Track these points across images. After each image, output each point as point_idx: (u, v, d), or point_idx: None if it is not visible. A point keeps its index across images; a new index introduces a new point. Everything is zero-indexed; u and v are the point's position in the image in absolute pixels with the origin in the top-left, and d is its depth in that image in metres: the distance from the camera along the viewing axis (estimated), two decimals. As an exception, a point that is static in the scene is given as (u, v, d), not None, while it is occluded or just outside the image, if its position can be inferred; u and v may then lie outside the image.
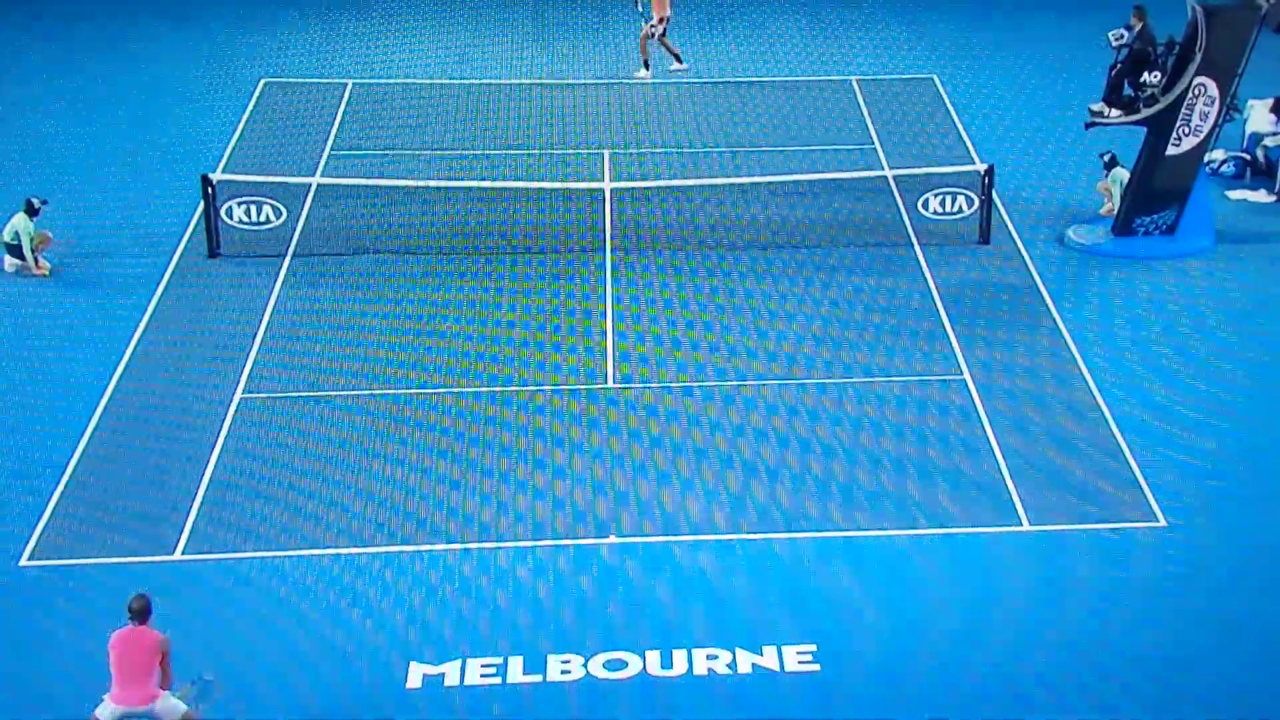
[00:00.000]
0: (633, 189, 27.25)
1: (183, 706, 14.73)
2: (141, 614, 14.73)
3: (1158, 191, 25.36)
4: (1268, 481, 19.54)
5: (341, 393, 21.57)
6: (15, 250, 24.67)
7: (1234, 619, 17.05)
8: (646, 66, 33.34)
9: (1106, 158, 26.46)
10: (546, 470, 19.73)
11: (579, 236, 26.01)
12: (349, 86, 32.70)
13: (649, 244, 25.76)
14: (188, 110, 31.62)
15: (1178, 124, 24.72)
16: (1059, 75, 33.32)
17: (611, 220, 26.39)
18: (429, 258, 25.37)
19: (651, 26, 33.16)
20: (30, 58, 34.92)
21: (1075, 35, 35.36)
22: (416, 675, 16.23)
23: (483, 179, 27.97)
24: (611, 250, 25.44)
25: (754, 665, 16.33)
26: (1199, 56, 24.30)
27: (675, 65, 33.48)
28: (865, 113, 31.30)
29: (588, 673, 16.23)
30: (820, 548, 18.19)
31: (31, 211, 24.65)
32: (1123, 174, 26.04)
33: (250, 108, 31.56)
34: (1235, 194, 27.69)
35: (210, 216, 25.24)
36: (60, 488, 19.33)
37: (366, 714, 15.74)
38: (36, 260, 24.73)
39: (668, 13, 33.12)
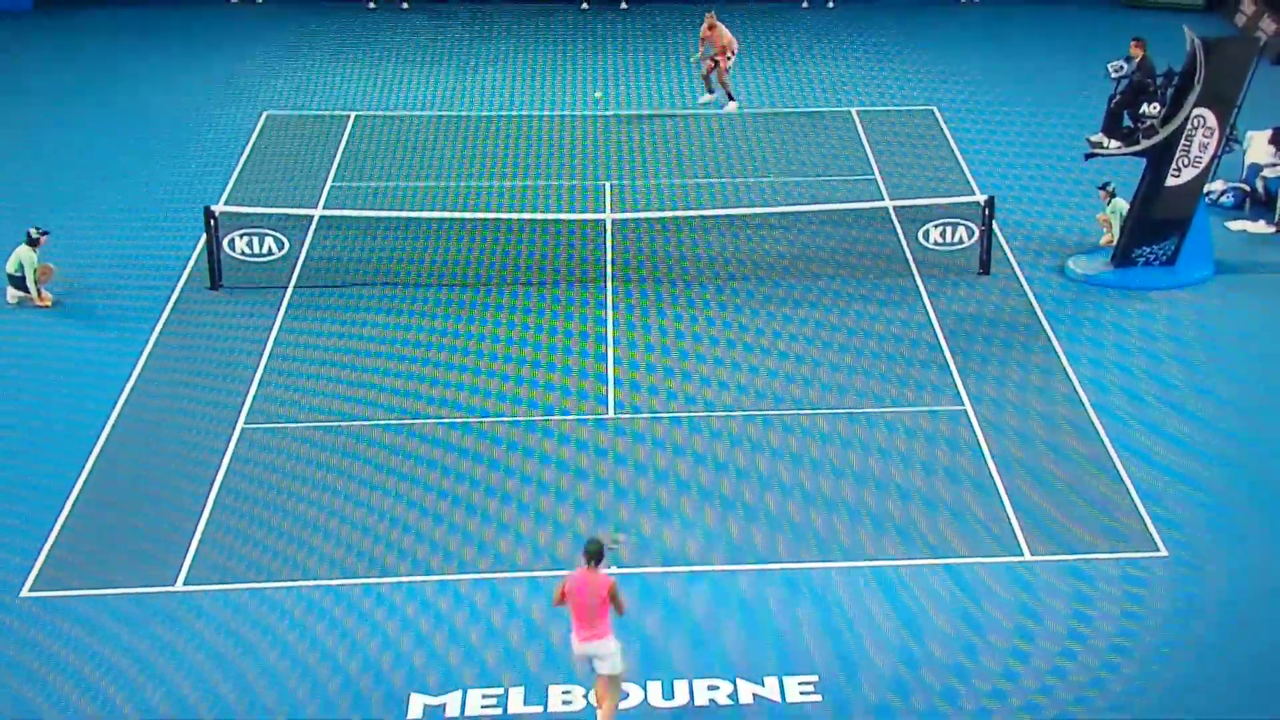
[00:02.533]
0: (634, 220, 27.29)
1: (619, 658, 15.46)
2: (596, 556, 15.29)
3: (1157, 222, 25.41)
4: (1270, 511, 19.55)
5: (343, 424, 21.59)
6: (18, 282, 24.73)
7: (1237, 649, 17.06)
8: (731, 98, 33.33)
9: (1110, 188, 26.50)
10: (548, 501, 19.75)
11: (580, 268, 26.04)
12: (351, 118, 32.77)
13: (650, 275, 25.79)
14: (190, 142, 31.67)
15: (1177, 155, 24.78)
16: (1058, 106, 33.38)
17: (612, 251, 26.43)
18: (431, 289, 25.41)
19: (725, 60, 32.98)
20: (32, 91, 34.98)
21: (1074, 66, 35.45)
22: (417, 706, 16.24)
23: (485, 211, 28.02)
24: (612, 281, 25.48)
25: (755, 696, 16.33)
26: (1198, 88, 24.38)
27: (705, 97, 33.45)
28: (866, 143, 31.36)
29: (589, 703, 16.21)
30: (822, 578, 18.20)
31: (32, 243, 24.71)
32: (1123, 205, 26.10)
33: (252, 140, 31.62)
34: (1235, 225, 27.73)
35: (212, 248, 25.30)
36: (62, 519, 19.35)
37: (368, 745, 15.77)
38: (39, 292, 24.78)
39: (732, 47, 32.94)
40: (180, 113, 33.45)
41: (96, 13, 40.53)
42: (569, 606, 15.48)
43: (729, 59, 32.91)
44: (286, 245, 26.07)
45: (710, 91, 33.35)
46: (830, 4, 41.05)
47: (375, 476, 20.33)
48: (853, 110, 33.27)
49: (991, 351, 23.40)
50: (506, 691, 16.38)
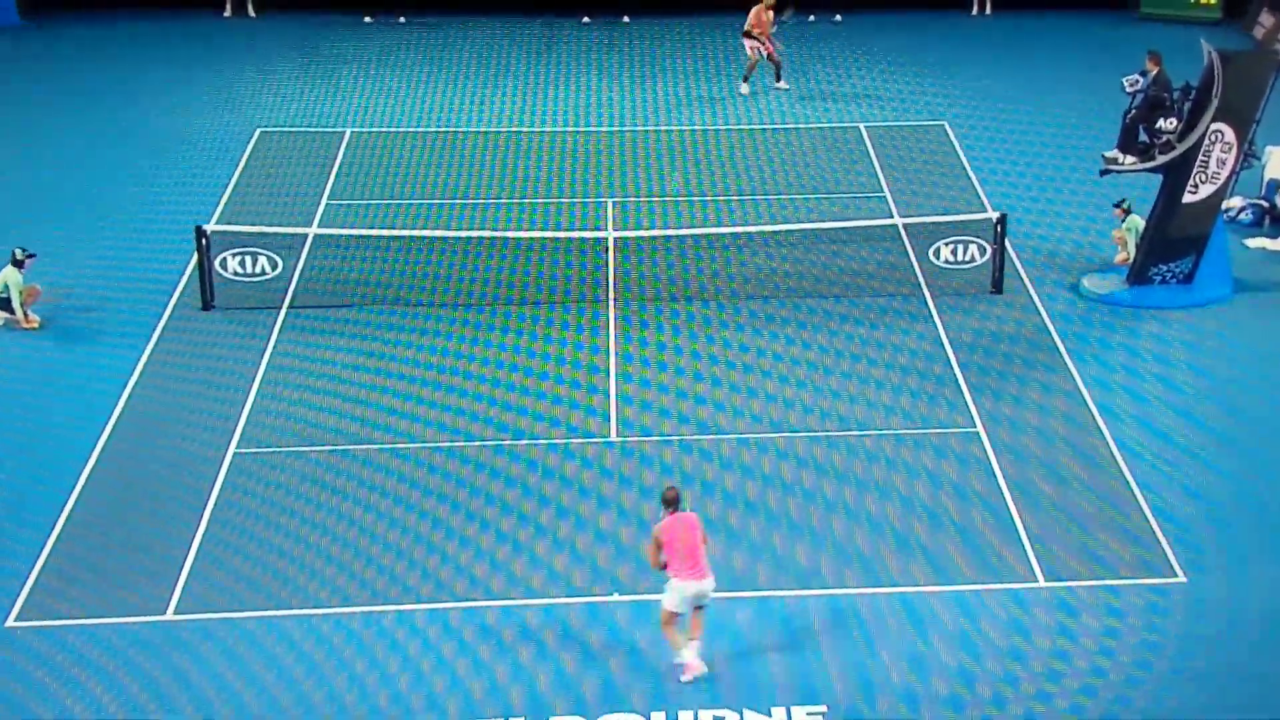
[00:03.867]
0: (637, 238, 27.32)
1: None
2: (676, 501, 16.74)
3: (1174, 240, 25.43)
4: (1290, 536, 19.56)
5: (339, 448, 21.60)
6: (3, 304, 24.76)
7: (1259, 677, 17.04)
8: (779, 78, 35.11)
9: (1125, 205, 26.52)
10: (548, 527, 19.75)
11: (581, 287, 26.06)
12: (347, 135, 32.85)
13: (654, 295, 25.81)
14: (181, 160, 31.74)
15: (1194, 171, 24.81)
16: (1072, 121, 33.46)
17: (615, 270, 26.45)
18: (428, 310, 25.44)
19: (764, 46, 34.76)
20: (17, 105, 35.08)
21: (1089, 81, 35.52)
22: (415, 738, 16.23)
23: (483, 229, 28.06)
24: (615, 301, 25.50)
25: (762, 727, 16.34)
26: (1215, 102, 24.41)
27: (743, 89, 35.22)
28: (875, 160, 31.42)
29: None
30: (830, 605, 18.19)
31: (17, 264, 24.76)
32: (1139, 222, 26.12)
33: (245, 157, 31.69)
34: (1254, 242, 27.76)
35: (204, 268, 25.33)
36: (49, 546, 19.35)
37: (364, 778, 15.75)
38: (25, 314, 24.80)
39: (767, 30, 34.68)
40: (171, 129, 33.53)
41: (84, 26, 40.71)
42: (667, 555, 16.63)
43: (764, 44, 34.71)
44: (280, 265, 26.11)
45: (746, 82, 35.05)
46: (837, 17, 41.15)
47: (372, 502, 20.33)
48: (861, 126, 33.34)
49: (1004, 372, 23.41)
50: (507, 723, 16.41)
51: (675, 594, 16.72)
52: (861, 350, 24.03)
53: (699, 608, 16.85)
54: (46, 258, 25.83)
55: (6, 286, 24.71)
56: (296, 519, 19.98)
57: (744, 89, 35.12)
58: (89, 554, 19.26)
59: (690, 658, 16.87)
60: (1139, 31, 38.85)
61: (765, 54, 35.06)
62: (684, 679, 16.84)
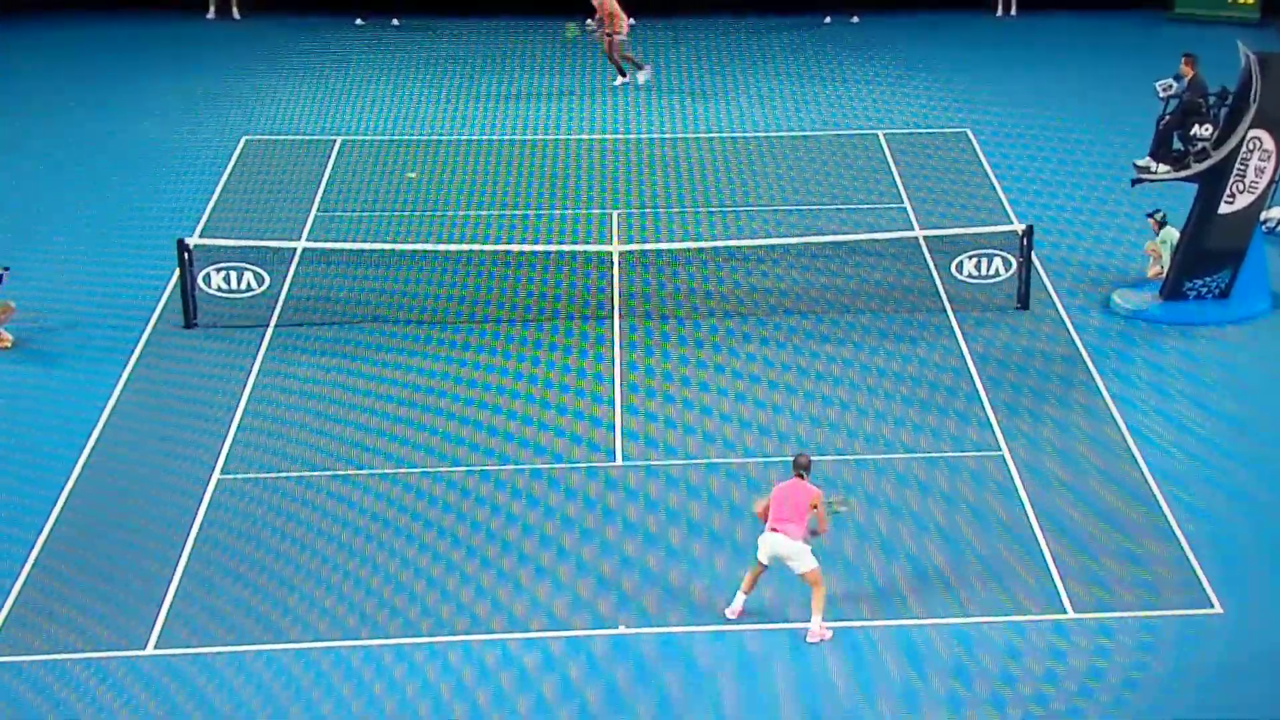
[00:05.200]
0: (642, 252, 27.36)
1: (808, 555, 18.01)
2: (806, 467, 18.28)
3: (1210, 252, 25.44)
4: (1332, 564, 19.56)
5: (328, 473, 21.63)
6: (-24, 321, 24.84)
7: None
8: (622, 73, 35.74)
9: (1159, 216, 26.52)
10: (549, 556, 19.77)
11: (584, 303, 26.10)
12: (337, 143, 32.92)
13: (659, 311, 25.84)
14: (162, 170, 31.84)
15: (1231, 180, 24.83)
16: (1102, 128, 33.50)
17: (620, 286, 26.49)
18: (423, 327, 25.49)
19: (605, 34, 35.38)
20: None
21: (1119, 85, 35.58)
22: (409, 779, 16.25)
23: (481, 243, 28.11)
24: (620, 318, 25.54)
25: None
26: (1254, 108, 24.43)
27: (619, 79, 35.79)
28: (894, 169, 31.47)
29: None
30: (847, 639, 18.18)
31: (-9, 280, 24.88)
32: (1173, 234, 26.12)
33: (230, 166, 31.77)
34: (1294, 254, 27.80)
35: (186, 284, 25.37)
36: (23, 577, 19.37)
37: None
38: (-1, 332, 24.91)
39: (621, 25, 35.29)
40: (152, 137, 33.64)
41: (60, 29, 40.80)
42: (770, 506, 18.16)
43: (618, 33, 35.15)
44: (267, 280, 26.15)
45: (622, 74, 35.33)
46: (854, 18, 41.21)
47: (363, 530, 20.35)
48: (879, 133, 33.40)
49: (1031, 392, 23.43)
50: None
51: (760, 544, 18.21)
52: (879, 369, 24.04)
53: (804, 575, 18.14)
54: (20, 273, 25.88)
55: (-22, 304, 24.81)
56: (285, 548, 20.00)
57: (642, 77, 36.14)
58: (65, 586, 19.27)
59: (736, 604, 18.50)
60: (1173, 32, 38.98)
61: (607, 46, 35.87)
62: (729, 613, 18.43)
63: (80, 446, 22.12)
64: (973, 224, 27.90)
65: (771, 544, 17.99)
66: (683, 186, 30.88)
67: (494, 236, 28.59)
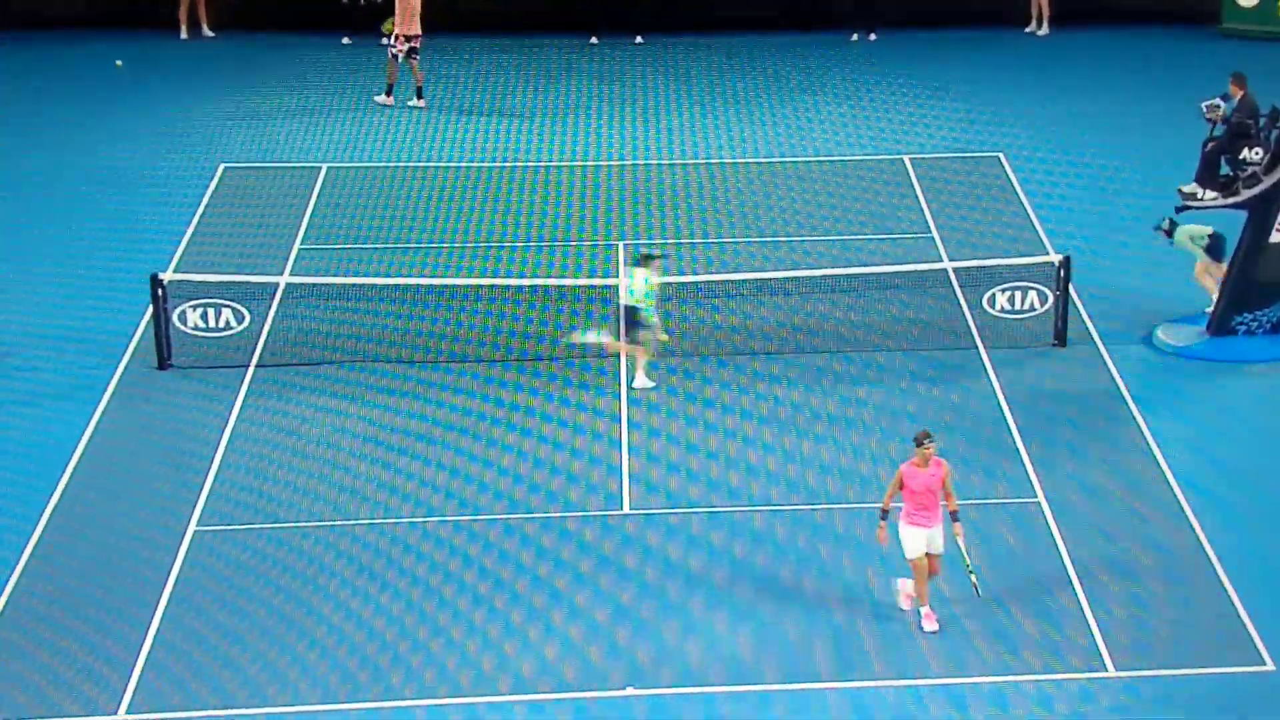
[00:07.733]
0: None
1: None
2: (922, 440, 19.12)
3: (1260, 284, 25.52)
4: (1392, 619, 19.59)
5: (313, 524, 21.70)
6: (-65, 362, 24.97)
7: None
8: (389, 93, 36.65)
9: (1164, 225, 26.50)
10: (553, 613, 19.80)
11: (585, 347, 26.12)
12: (322, 171, 33.05)
13: (671, 348, 25.90)
14: (135, 200, 31.93)
15: (1283, 206, 24.99)
16: (1144, 151, 33.59)
17: (626, 321, 26.56)
18: (415, 368, 25.56)
19: (393, 47, 36.10)
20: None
21: (1163, 106, 35.69)
22: None
23: (478, 276, 28.22)
24: (626, 356, 25.58)
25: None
26: (1307, 129, 24.61)
27: (416, 101, 36.64)
28: (920, 196, 31.56)
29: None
30: (873, 698, 18.23)
31: (-50, 317, 24.99)
32: (1193, 230, 25.98)
33: (208, 196, 31.88)
34: (1351, 287, 27.85)
35: (160, 322, 25.46)
36: (-15, 636, 19.47)
37: None
38: (-40, 373, 25.03)
39: (415, 32, 35.95)
40: (123, 164, 33.73)
41: (24, 48, 40.83)
42: (903, 497, 19.07)
43: (395, 46, 36.20)
44: (247, 318, 26.23)
45: (420, 97, 36.65)
46: (871, 36, 41.24)
47: (351, 585, 20.39)
48: (905, 158, 33.51)
49: (1068, 435, 23.50)
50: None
51: (910, 538, 19.17)
52: (907, 408, 24.11)
53: (939, 555, 19.32)
54: (-17, 310, 26.04)
55: (-62, 343, 24.95)
56: (265, 604, 20.04)
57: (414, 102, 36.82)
58: (30, 645, 19.30)
59: (928, 617, 19.33)
60: (1220, 49, 39.06)
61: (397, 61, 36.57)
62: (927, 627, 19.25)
63: (47, 496, 22.17)
64: (1006, 255, 27.94)
65: (926, 537, 19.12)
66: (694, 215, 30.97)
67: (491, 270, 28.69)
